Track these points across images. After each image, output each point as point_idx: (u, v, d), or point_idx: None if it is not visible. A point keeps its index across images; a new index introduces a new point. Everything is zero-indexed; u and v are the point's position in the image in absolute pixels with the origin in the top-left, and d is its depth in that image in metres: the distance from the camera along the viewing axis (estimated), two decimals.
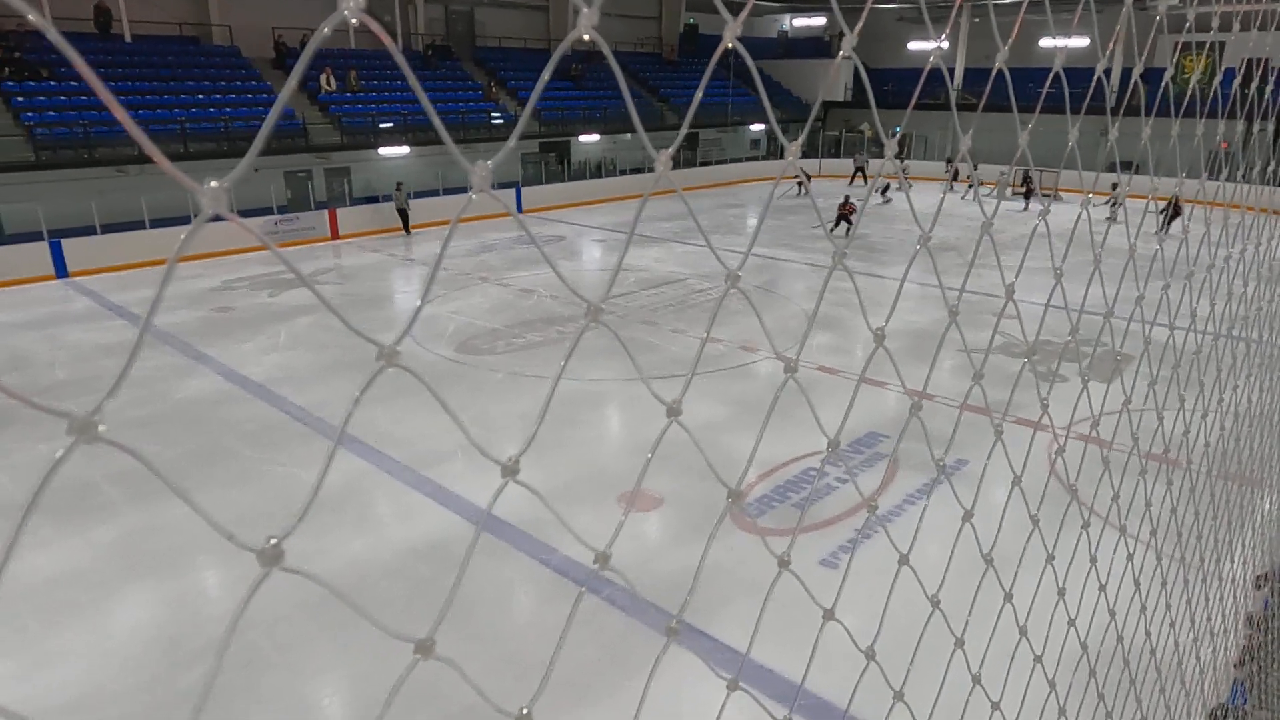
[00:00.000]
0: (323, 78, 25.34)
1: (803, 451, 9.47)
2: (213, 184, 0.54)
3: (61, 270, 18.51)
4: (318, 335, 14.34)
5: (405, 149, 24.94)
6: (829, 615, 0.96)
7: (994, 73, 1.12)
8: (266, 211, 22.06)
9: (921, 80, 1.12)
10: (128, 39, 23.41)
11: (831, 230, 17.90)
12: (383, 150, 24.85)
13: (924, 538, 1.53)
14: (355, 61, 27.05)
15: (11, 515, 7.78)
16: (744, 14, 0.66)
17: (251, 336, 14.26)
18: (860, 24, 0.94)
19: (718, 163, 34.38)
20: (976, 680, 1.28)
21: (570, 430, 10.20)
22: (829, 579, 7.06)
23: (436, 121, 0.57)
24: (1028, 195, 25.81)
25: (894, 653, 1.26)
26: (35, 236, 18.39)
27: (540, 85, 0.77)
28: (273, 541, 0.61)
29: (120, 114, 0.54)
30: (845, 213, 21.80)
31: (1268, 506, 4.51)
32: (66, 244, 18.57)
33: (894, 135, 1.11)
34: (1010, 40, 1.18)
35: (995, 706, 1.30)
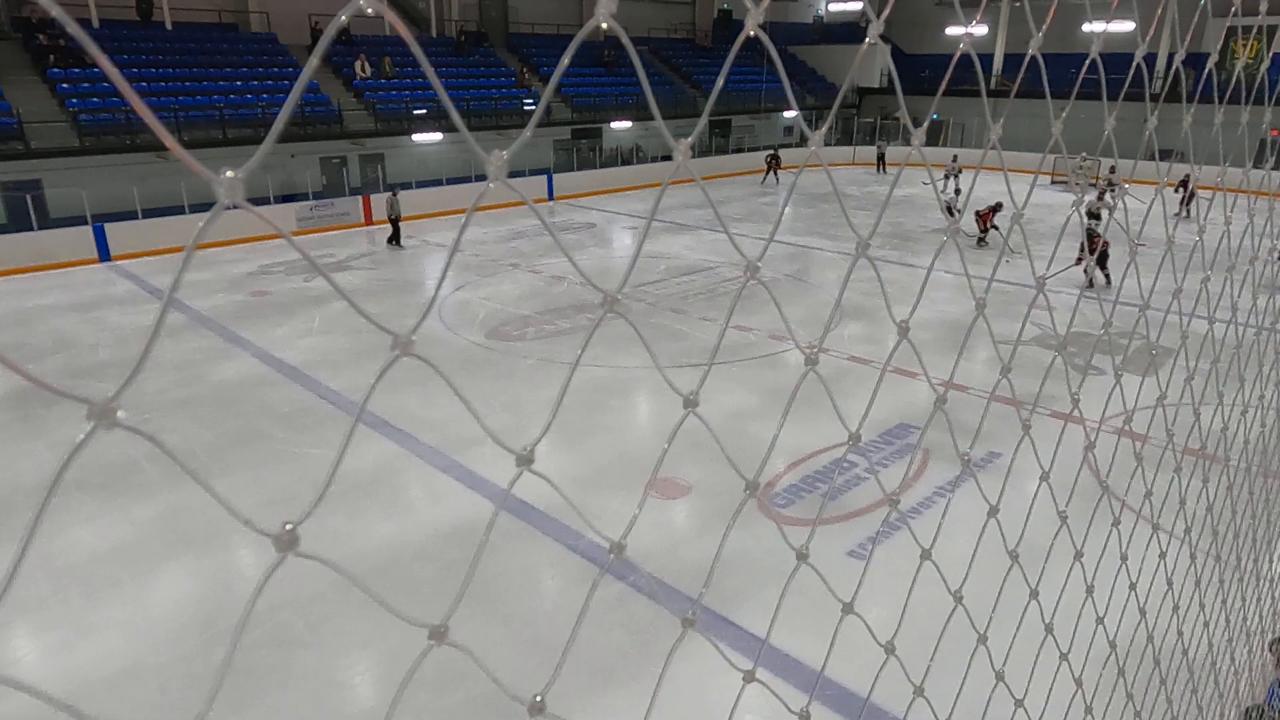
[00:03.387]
0: (358, 64, 25.54)
1: (832, 441, 9.41)
2: (228, 174, 0.55)
3: (105, 254, 18.93)
4: (352, 320, 14.51)
5: (439, 135, 25.08)
6: (848, 609, 0.96)
7: (1026, 59, 1.10)
8: (302, 197, 22.34)
9: (951, 66, 1.10)
10: (168, 26, 23.78)
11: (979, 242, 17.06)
12: (416, 136, 25.01)
13: (953, 531, 1.51)
14: (390, 49, 27.21)
15: (44, 493, 8.00)
16: (767, 1, 0.65)
17: (287, 320, 14.48)
18: (888, 9, 0.93)
19: (750, 150, 34.11)
20: (1000, 677, 1.27)
21: (601, 416, 10.24)
22: (856, 570, 7.02)
23: (450, 108, 0.58)
24: (1186, 201, 20.13)
25: (918, 647, 1.25)
26: (79, 221, 18.82)
27: (559, 71, 0.76)
28: (289, 527, 0.62)
29: (135, 101, 0.55)
30: (1096, 252, 15.69)
31: None
32: (109, 228, 18.98)
33: (920, 124, 1.10)
34: (1045, 25, 1.16)
35: (1019, 704, 1.29)
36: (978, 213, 19.63)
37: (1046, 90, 1.13)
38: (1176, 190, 20.82)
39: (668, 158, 33.12)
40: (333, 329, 13.99)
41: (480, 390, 11.08)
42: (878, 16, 0.84)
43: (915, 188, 27.28)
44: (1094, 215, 17.58)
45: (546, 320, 14.42)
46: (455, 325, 14.19)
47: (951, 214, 26.22)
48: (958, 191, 26.43)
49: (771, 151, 30.70)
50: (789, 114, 36.70)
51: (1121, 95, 1.20)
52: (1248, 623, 2.28)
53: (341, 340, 13.38)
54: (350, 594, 6.70)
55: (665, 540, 7.59)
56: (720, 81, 0.79)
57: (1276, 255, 2.23)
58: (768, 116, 35.79)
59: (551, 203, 26.86)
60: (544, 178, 27.23)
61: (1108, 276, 14.96)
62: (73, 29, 0.52)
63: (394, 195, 20.44)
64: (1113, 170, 22.26)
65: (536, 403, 10.80)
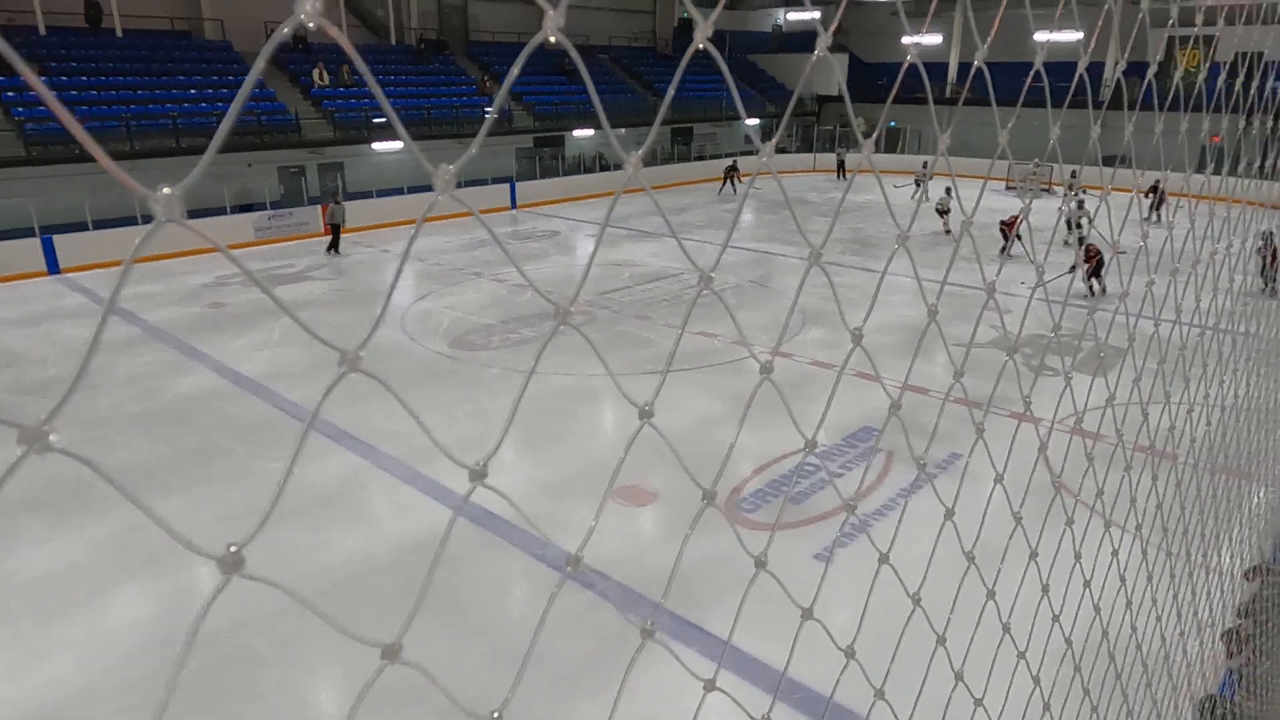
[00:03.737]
0: (315, 72, 25.25)
1: (797, 446, 9.48)
2: (165, 190, 0.54)
3: (53, 266, 18.43)
4: (313, 330, 14.30)
5: (399, 144, 24.86)
6: (807, 614, 0.97)
7: (973, 69, 1.13)
8: (260, 207, 21.99)
9: (900, 76, 1.12)
10: (118, 34, 23.28)
11: (1088, 283, 16.30)
12: (376, 145, 24.78)
13: (915, 533, 1.54)
14: (348, 56, 26.94)
15: None
16: (716, 13, 0.65)
17: (245, 332, 14.23)
18: (835, 23, 0.94)
19: (713, 157, 34.35)
20: (959, 677, 1.29)
21: (568, 425, 10.21)
22: (818, 572, 7.09)
23: (394, 119, 0.57)
24: (1156, 206, 20.36)
25: (881, 649, 1.27)
26: (27, 233, 18.30)
27: (509, 81, 0.75)
28: (233, 549, 0.60)
29: (60, 112, 0.53)
30: (1092, 264, 15.05)
31: (1258, 499, 4.54)
32: (58, 240, 18.48)
33: (878, 130, 1.12)
34: (990, 37, 1.19)
35: (979, 703, 1.31)
36: (1002, 222, 19.63)
37: (993, 98, 1.16)
38: (1147, 195, 21.38)
39: None
40: (292, 341, 13.77)
41: (444, 400, 10.98)
42: (826, 29, 0.85)
43: (875, 194, 27.64)
44: (1075, 225, 17.72)
45: (511, 329, 14.35)
46: (418, 335, 14.05)
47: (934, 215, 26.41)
48: (946, 192, 26.76)
49: (730, 163, 30.80)
50: (750, 122, 37.05)
51: (1066, 103, 1.24)
52: (1199, 615, 2.34)
53: (301, 352, 13.18)
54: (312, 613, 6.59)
55: (632, 548, 7.58)
56: (671, 92, 0.79)
57: (1232, 254, 2.31)
58: (729, 124, 36.09)
59: (514, 211, 26.77)
60: (507, 186, 27.13)
61: (1103, 287, 14.87)
62: None
63: (335, 202, 20.54)
64: (1074, 175, 22.78)
65: (502, 412, 10.73)
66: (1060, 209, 1.81)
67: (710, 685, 0.84)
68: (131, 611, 6.81)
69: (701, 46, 0.67)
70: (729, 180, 30.30)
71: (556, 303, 0.61)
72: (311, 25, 0.57)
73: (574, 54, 0.72)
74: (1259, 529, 4.91)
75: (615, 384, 0.73)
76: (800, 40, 40.87)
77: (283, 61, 25.58)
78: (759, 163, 0.81)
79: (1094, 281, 15.29)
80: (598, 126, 30.53)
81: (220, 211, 21.06)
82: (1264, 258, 14.42)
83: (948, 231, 22.35)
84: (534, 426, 10.19)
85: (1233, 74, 1.97)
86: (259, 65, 0.59)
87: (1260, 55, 2.35)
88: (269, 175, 22.84)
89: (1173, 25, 1.43)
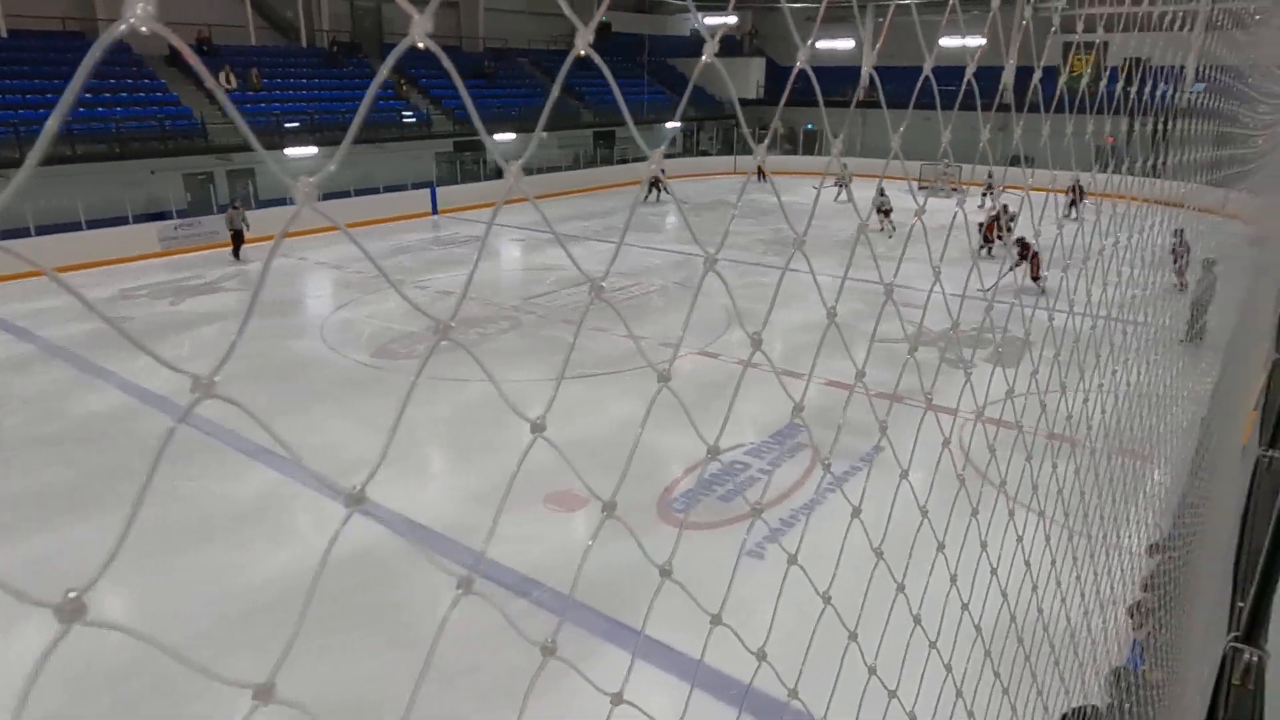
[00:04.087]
0: (222, 75, 24.32)
1: (727, 445, 9.60)
2: None
3: None
4: (225, 343, 13.74)
5: (313, 149, 24.17)
6: (716, 620, 0.98)
7: (864, 73, 1.16)
8: (165, 216, 21.04)
9: (790, 80, 1.15)
10: (3, 34, 21.97)
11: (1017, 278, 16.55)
12: (289, 151, 24.01)
13: (838, 528, 1.57)
14: (257, 59, 26.05)
15: None
16: (597, 17, 0.64)
17: (153, 347, 13.52)
18: (718, 37, 0.96)
19: (635, 160, 34.50)
20: (872, 671, 1.32)
21: (496, 432, 10.09)
22: (754, 569, 7.19)
23: (243, 126, 0.52)
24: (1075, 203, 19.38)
25: (799, 647, 1.30)
26: None
27: (374, 86, 0.69)
28: (72, 595, 0.55)
29: None
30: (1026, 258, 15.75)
31: (1156, 478, 4.81)
32: None
33: (805, 132, 1.14)
34: (879, 41, 1.23)
35: (893, 695, 1.35)
36: (981, 224, 19.54)
37: (883, 101, 1.20)
38: (1068, 194, 22.34)
39: (555, 169, 32.90)
40: (204, 354, 13.23)
41: (367, 410, 10.71)
42: (740, 35, 0.86)
43: (798, 195, 28.25)
44: (1007, 227, 18.29)
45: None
46: (338, 345, 13.68)
47: (874, 214, 26.67)
48: (881, 192, 27.21)
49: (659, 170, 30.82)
50: (670, 125, 37.36)
51: (957, 105, 1.28)
52: (1100, 594, 2.47)
53: (214, 365, 12.66)
54: (238, 633, 6.34)
55: (565, 554, 7.54)
56: (554, 93, 0.77)
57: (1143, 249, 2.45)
58: (650, 127, 36.30)
59: (436, 217, 26.33)
60: (427, 191, 26.67)
61: (1042, 285, 15.03)
62: None
63: (235, 208, 20.03)
64: (990, 175, 23.71)
65: (427, 421, 10.54)
66: (982, 206, 1.89)
67: (617, 699, 0.83)
68: (37, 644, 6.42)
69: (584, 52, 0.66)
70: (654, 188, 29.72)
71: (436, 318, 0.59)
72: (250, 16, 0.54)
73: (444, 59, 0.69)
74: (1157, 507, 5.20)
75: (505, 400, 0.71)
76: (719, 44, 41.38)
77: (187, 65, 24.54)
78: (651, 168, 0.81)
79: (1034, 281, 15.74)
80: (519, 130, 30.35)
81: (123, 221, 20.07)
82: (1176, 255, 15.20)
83: (889, 228, 22.38)
84: (462, 435, 10.04)
85: (1121, 79, 2.09)
86: (103, 42, 0.54)
87: (1146, 61, 2.48)
88: (174, 183, 21.88)
89: (1055, 33, 1.51)
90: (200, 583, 7.13)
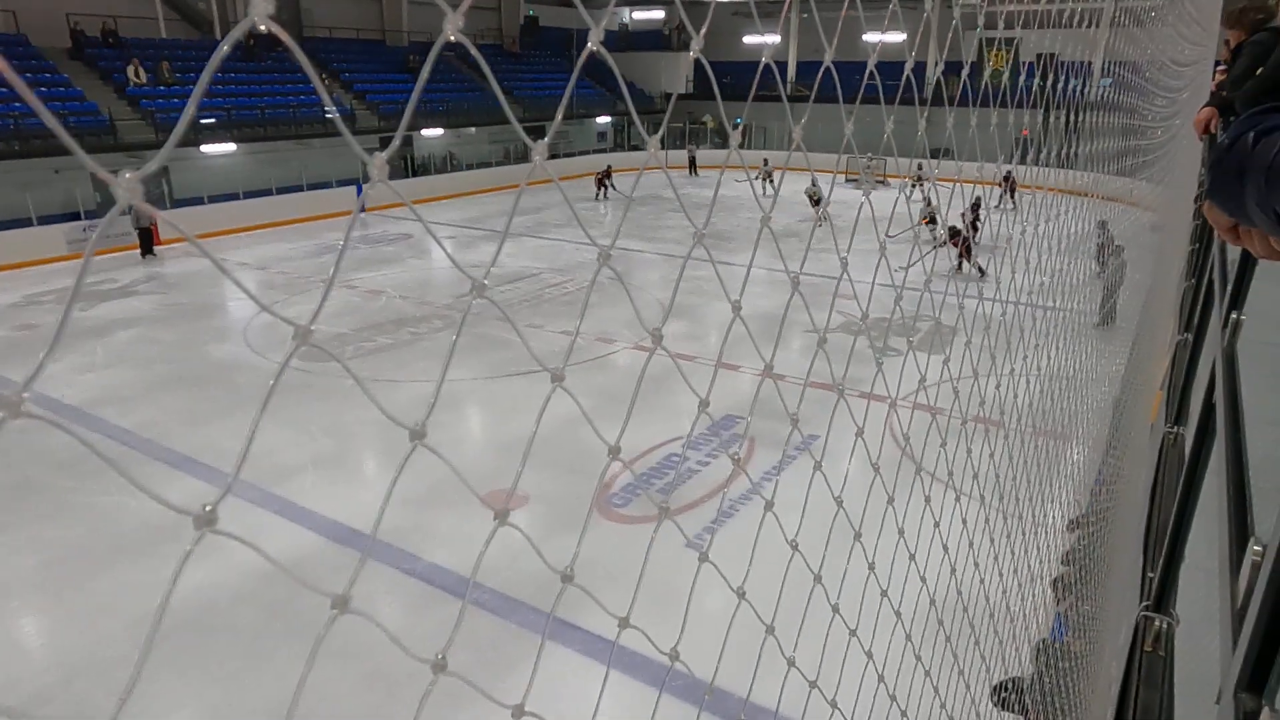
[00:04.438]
0: (130, 69, 23.25)
1: (663, 439, 9.66)
2: None
3: None
4: (142, 350, 13.20)
5: (231, 146, 23.32)
6: (624, 623, 0.99)
7: (822, 69, 1.18)
8: (73, 217, 20.01)
9: (758, 75, 1.16)
10: None
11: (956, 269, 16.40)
12: (205, 148, 23.12)
13: (754, 523, 1.59)
14: (168, 52, 24.97)
15: None
16: (464, 6, 0.62)
17: (62, 355, 12.92)
18: (707, 24, 0.96)
19: (566, 155, 34.35)
20: (791, 663, 1.35)
21: (431, 433, 9.92)
22: (694, 562, 7.26)
23: (52, 123, 0.45)
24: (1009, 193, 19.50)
25: (719, 640, 1.32)
26: None
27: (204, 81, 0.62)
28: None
29: None
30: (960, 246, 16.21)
31: (1075, 457, 5.03)
32: None
33: (736, 127, 1.15)
34: (794, 36, 1.25)
35: (813, 685, 1.38)
36: (952, 228, 19.77)
37: (806, 96, 1.22)
38: (1001, 185, 22.79)
39: (485, 165, 32.44)
40: (119, 361, 12.66)
41: (298, 416, 10.41)
42: (668, 29, 0.86)
43: (728, 189, 28.51)
44: (932, 220, 18.70)
45: (365, 337, 13.79)
46: (263, 348, 13.25)
47: (816, 205, 26.59)
48: (813, 183, 27.23)
49: (605, 168, 28.76)
50: (601, 120, 37.32)
51: (870, 98, 1.32)
52: (1019, 572, 2.56)
53: (130, 373, 12.13)
54: (157, 652, 6.09)
55: (504, 553, 7.46)
56: (417, 92, 0.75)
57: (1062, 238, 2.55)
58: (580, 122, 36.17)
59: (363, 215, 25.72)
60: (353, 188, 26.02)
61: (979, 268, 15.20)
62: None
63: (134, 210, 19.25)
64: (920, 168, 24.37)
65: (360, 424, 10.30)
66: (905, 196, 1.93)
67: (519, 711, 0.83)
68: None
69: (454, 38, 0.64)
70: (604, 186, 28.29)
71: (294, 322, 0.56)
72: (159, 8, 0.51)
73: (296, 50, 0.67)
74: (1076, 485, 5.44)
75: (383, 412, 0.69)
76: (646, 39, 41.53)
77: (91, 58, 23.40)
78: (530, 168, 0.80)
79: (964, 262, 16.15)
80: (447, 125, 29.87)
81: (26, 223, 19.02)
82: (1100, 244, 15.73)
83: (820, 220, 22.76)
84: (396, 437, 9.84)
85: (1034, 74, 2.17)
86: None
87: (1054, 56, 2.58)
88: (81, 182, 20.84)
89: (980, 29, 1.56)
90: (118, 603, 6.83)
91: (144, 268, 18.81)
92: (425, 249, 21.38)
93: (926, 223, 20.57)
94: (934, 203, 20.50)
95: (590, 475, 8.63)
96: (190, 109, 0.56)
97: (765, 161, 28.63)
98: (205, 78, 0.52)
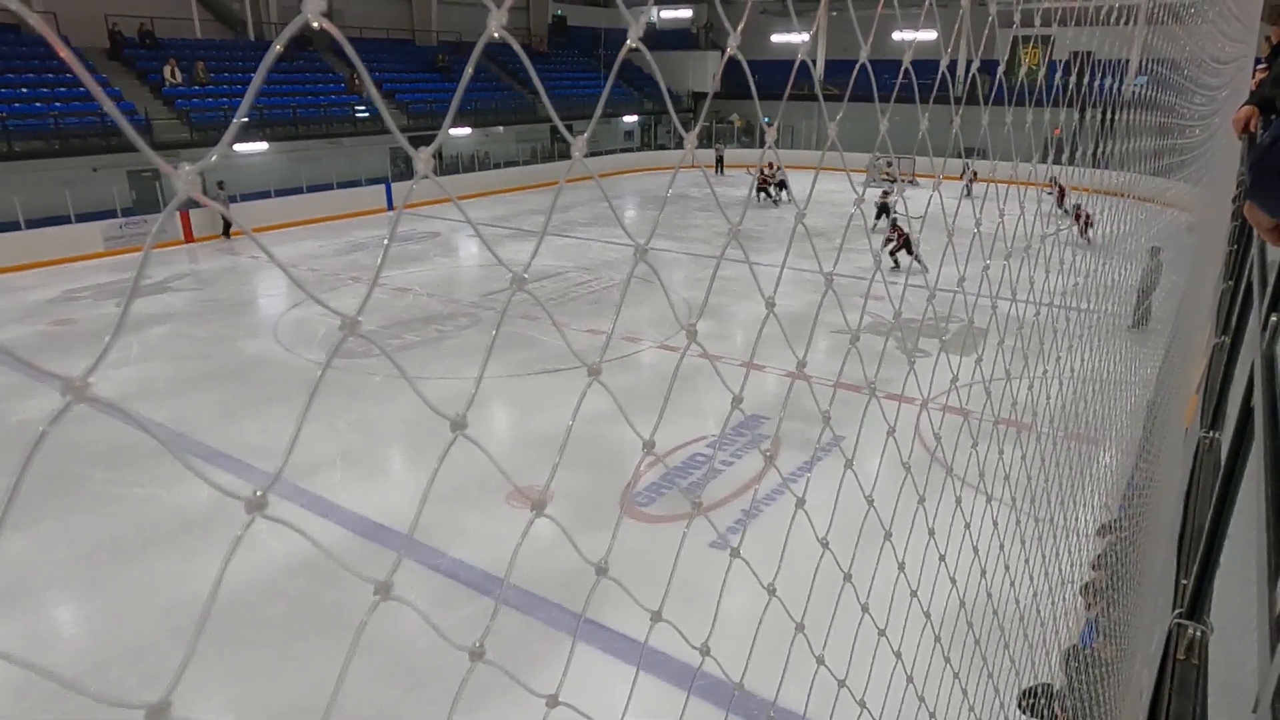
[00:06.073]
0: (167, 70, 23.66)
1: (689, 437, 9.65)
2: None
3: None
4: (175, 345, 13.43)
5: (263, 145, 23.65)
6: (657, 617, 0.99)
7: (857, 66, 1.17)
8: (109, 215, 20.41)
9: (793, 73, 1.16)
10: None
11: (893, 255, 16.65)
12: (238, 147, 23.45)
13: (785, 522, 1.59)
14: (203, 52, 25.38)
15: None
16: (507, 4, 0.62)
17: (98, 350, 13.16)
18: (744, 21, 0.96)
19: (593, 155, 34.39)
20: (820, 661, 1.34)
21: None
22: (718, 560, 7.24)
23: (117, 115, 0.48)
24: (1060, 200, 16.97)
25: (757, 638, 1.31)
26: None
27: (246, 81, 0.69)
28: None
29: None
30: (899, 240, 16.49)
31: (1106, 461, 4.95)
32: None
33: (770, 125, 1.14)
34: (822, 33, 1.24)
35: (842, 684, 1.36)
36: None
37: (834, 95, 1.21)
38: (1051, 192, 22.16)
39: (512, 163, 32.61)
40: (154, 356, 12.89)
41: (325, 410, 10.53)
42: (696, 28, 0.86)
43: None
44: (885, 210, 19.32)
45: (393, 334, 13.92)
46: (293, 345, 13.43)
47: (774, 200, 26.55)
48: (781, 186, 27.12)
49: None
50: (628, 119, 37.33)
51: (931, 98, 1.30)
52: (1051, 575, 2.53)
53: (165, 368, 12.35)
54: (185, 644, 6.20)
55: (528, 549, 7.49)
56: (458, 96, 0.75)
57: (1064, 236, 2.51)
58: (608, 121, 36.21)
59: (391, 212, 25.95)
60: (382, 187, 26.28)
61: (919, 260, 15.47)
62: None
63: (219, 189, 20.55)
64: (890, 165, 24.43)
65: (388, 420, 10.40)
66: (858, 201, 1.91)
67: (553, 701, 0.83)
68: None
69: (497, 35, 0.64)
70: (763, 189, 26.93)
71: (343, 313, 0.57)
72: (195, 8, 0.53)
73: (347, 45, 0.68)
74: (1107, 489, 5.35)
75: (427, 403, 0.70)
76: (674, 38, 41.48)
77: (129, 58, 23.85)
78: (569, 165, 0.80)
79: (898, 256, 16.23)
80: (475, 125, 30.05)
81: (64, 220, 19.43)
82: (1078, 215, 15.49)
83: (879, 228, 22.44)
84: (423, 434, 9.93)
85: (1068, 72, 2.14)
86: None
87: (1090, 54, 2.54)
88: (118, 180, 21.23)
89: (1016, 25, 1.54)
90: (147, 596, 6.95)
91: (186, 264, 19.12)
92: (452, 247, 21.53)
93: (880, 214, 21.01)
94: (891, 193, 20.78)
95: (613, 473, 8.64)
96: (246, 102, 0.58)
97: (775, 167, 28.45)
98: (259, 77, 0.53)
